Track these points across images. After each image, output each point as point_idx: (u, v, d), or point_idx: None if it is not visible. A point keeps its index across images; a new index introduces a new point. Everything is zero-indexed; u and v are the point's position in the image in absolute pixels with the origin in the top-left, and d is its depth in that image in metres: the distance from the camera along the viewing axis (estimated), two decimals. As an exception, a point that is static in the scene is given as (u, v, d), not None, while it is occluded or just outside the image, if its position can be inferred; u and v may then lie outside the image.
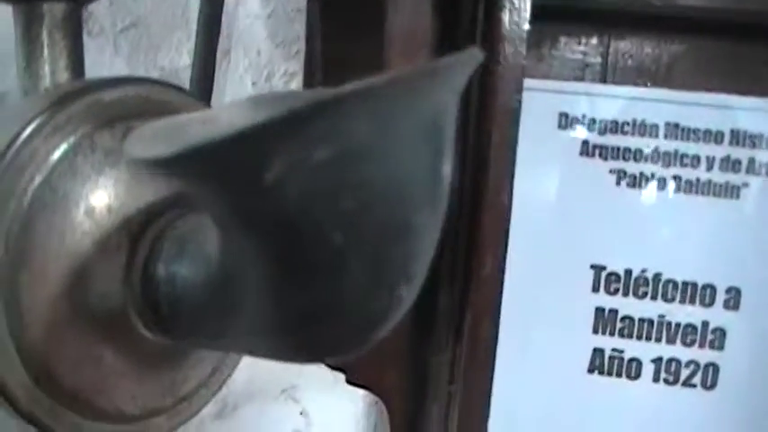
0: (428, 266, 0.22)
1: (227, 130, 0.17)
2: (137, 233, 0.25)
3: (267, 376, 0.47)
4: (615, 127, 0.42)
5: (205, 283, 0.24)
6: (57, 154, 0.25)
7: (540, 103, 0.42)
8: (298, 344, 0.22)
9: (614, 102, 0.42)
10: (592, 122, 0.42)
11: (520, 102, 0.33)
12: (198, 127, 0.22)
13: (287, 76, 0.45)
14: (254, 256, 0.21)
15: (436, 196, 0.20)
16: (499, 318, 0.35)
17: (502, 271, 0.35)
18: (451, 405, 0.37)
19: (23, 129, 0.25)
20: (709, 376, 0.42)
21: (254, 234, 0.19)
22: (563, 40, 0.42)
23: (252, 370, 0.47)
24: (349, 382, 0.42)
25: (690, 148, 0.41)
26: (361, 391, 0.48)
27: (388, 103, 0.19)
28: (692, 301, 0.42)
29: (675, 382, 0.43)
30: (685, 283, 0.42)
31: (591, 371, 0.43)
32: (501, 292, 0.36)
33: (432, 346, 0.38)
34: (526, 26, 0.33)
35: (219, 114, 0.23)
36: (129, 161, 0.20)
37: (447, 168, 0.20)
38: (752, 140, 0.41)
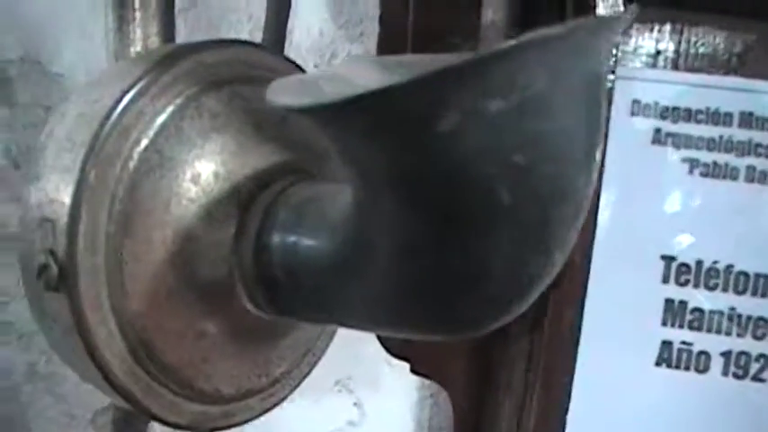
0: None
1: (402, 78, 0.16)
2: (246, 201, 0.24)
3: (321, 367, 0.46)
4: (688, 115, 0.40)
5: (331, 250, 0.22)
6: (163, 117, 0.24)
7: (612, 89, 0.40)
8: (436, 315, 0.21)
9: (687, 89, 0.40)
10: (665, 110, 0.40)
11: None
12: (329, 84, 0.20)
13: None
14: (400, 216, 0.19)
15: (593, 155, 0.19)
16: (583, 307, 0.34)
17: (589, 258, 0.34)
18: (528, 394, 0.36)
19: (129, 88, 0.23)
20: (780, 370, 0.41)
21: (411, 190, 0.18)
22: (636, 26, 0.41)
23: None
24: (414, 371, 0.41)
25: (764, 137, 0.40)
26: (416, 383, 0.47)
27: (562, 55, 0.17)
28: (764, 294, 0.41)
29: (745, 376, 0.41)
30: (757, 275, 0.41)
31: (659, 363, 0.41)
32: (587, 280, 0.34)
33: (499, 334, 0.37)
34: (620, 10, 0.32)
35: (345, 73, 0.22)
36: (288, 109, 0.18)
37: (600, 136, 0.19)
38: (825, 130, 0.40)
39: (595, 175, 0.19)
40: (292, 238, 0.23)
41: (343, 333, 0.45)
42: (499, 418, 0.38)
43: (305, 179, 0.24)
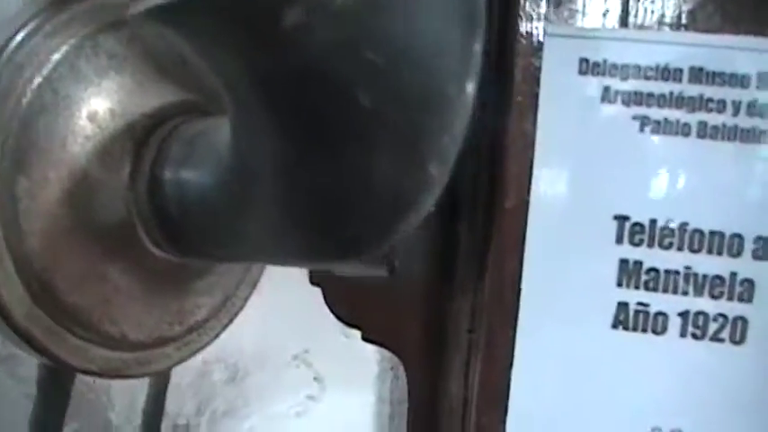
0: (458, 150, 0.20)
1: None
2: (142, 138, 0.24)
3: (278, 341, 0.45)
4: (638, 72, 0.40)
5: (217, 181, 0.22)
6: (57, 55, 0.23)
7: (560, 48, 0.40)
8: (319, 238, 0.20)
9: (636, 46, 0.40)
10: (614, 68, 0.40)
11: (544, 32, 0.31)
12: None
13: None
14: (272, 130, 0.19)
15: (468, 71, 0.18)
16: (523, 255, 0.33)
17: (526, 204, 0.33)
18: (472, 354, 0.35)
19: (23, 27, 0.23)
20: (738, 330, 0.40)
21: (271, 96, 0.17)
22: (583, -16, 0.40)
23: (262, 335, 0.45)
24: (365, 339, 0.40)
25: (715, 92, 0.39)
26: (376, 356, 0.46)
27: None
28: (720, 252, 0.40)
29: (703, 336, 0.40)
30: (712, 233, 0.40)
31: (615, 326, 0.41)
32: (525, 227, 0.33)
33: (452, 293, 0.36)
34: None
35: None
36: (136, 17, 0.18)
37: (478, 46, 0.19)
38: (780, 84, 0.39)
39: (473, 86, 0.19)
40: (182, 172, 0.22)
41: (299, 307, 0.45)
42: (450, 379, 0.37)
43: (201, 117, 0.24)
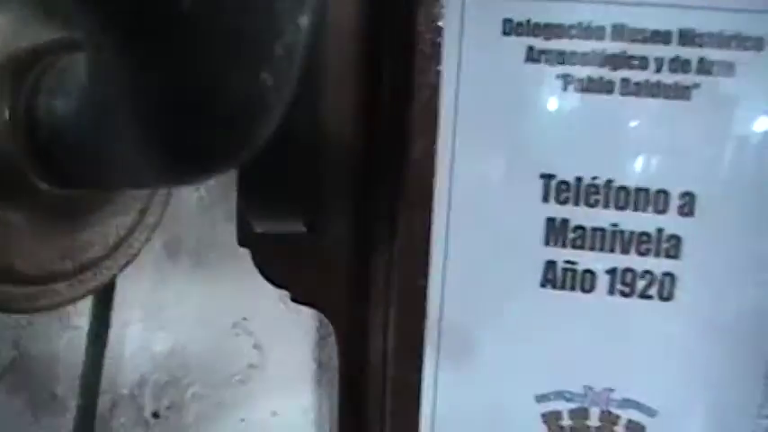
0: (298, 66, 0.20)
1: None
2: (21, 71, 0.24)
3: (217, 310, 0.46)
4: (560, 31, 0.40)
5: (81, 108, 0.22)
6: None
7: (483, 9, 0.40)
8: (174, 153, 0.20)
9: (559, 6, 0.40)
10: (537, 27, 0.40)
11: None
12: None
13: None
14: (110, 46, 0.19)
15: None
16: (432, 207, 0.33)
17: (433, 155, 0.33)
18: (388, 309, 0.35)
19: None
20: (666, 286, 0.40)
21: (105, 11, 0.18)
22: (505, -54, 0.40)
23: (200, 304, 0.45)
24: (294, 300, 0.41)
25: (637, 49, 0.39)
26: (315, 323, 0.46)
27: None
28: (646, 209, 0.40)
29: (631, 293, 0.40)
30: (638, 190, 0.40)
31: (544, 284, 0.41)
32: (433, 178, 0.34)
33: (371, 250, 0.36)
34: None
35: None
36: None
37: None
38: (701, 39, 0.39)
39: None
40: (54, 104, 0.23)
41: (237, 274, 0.45)
42: (372, 336, 0.37)
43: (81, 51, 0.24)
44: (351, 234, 0.37)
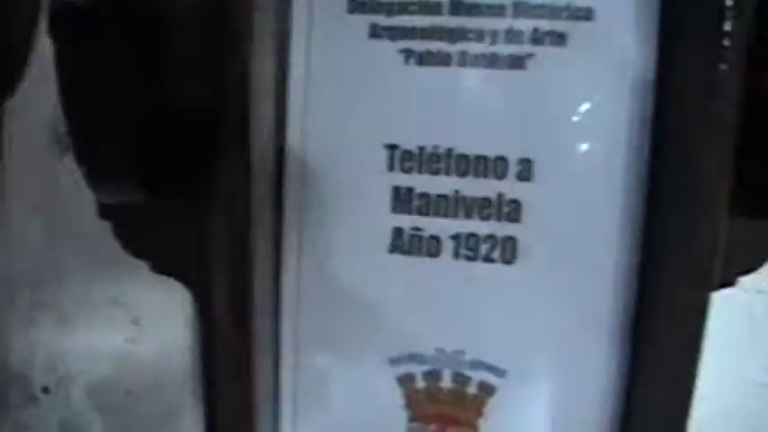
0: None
1: None
2: None
3: (93, 286, 0.47)
4: (401, 8, 0.41)
5: None
6: None
7: (328, -11, 0.42)
8: None
9: (390, -17, 0.42)
10: (379, 5, 0.41)
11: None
12: None
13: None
14: None
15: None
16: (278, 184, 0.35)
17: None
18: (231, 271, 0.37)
19: None
20: (508, 249, 0.41)
21: None
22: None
23: (80, 280, 0.47)
24: (153, 269, 0.42)
25: (474, 22, 0.41)
26: (190, 297, 0.48)
27: None
28: (486, 175, 0.41)
29: (475, 257, 0.42)
30: (477, 157, 0.41)
31: (392, 251, 0.42)
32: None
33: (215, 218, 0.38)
34: None
35: None
36: None
37: None
38: (534, 11, 0.41)
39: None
40: None
41: (112, 252, 0.46)
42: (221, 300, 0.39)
43: None
44: (195, 202, 0.39)
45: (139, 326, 0.47)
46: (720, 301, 0.44)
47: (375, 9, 0.42)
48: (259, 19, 0.36)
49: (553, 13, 0.41)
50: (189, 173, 0.38)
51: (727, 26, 0.36)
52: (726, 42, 0.36)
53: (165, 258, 0.41)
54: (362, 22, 0.42)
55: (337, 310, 0.43)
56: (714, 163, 0.37)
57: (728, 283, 0.44)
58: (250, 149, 0.37)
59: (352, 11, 0.42)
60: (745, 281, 0.44)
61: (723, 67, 0.36)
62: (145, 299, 0.46)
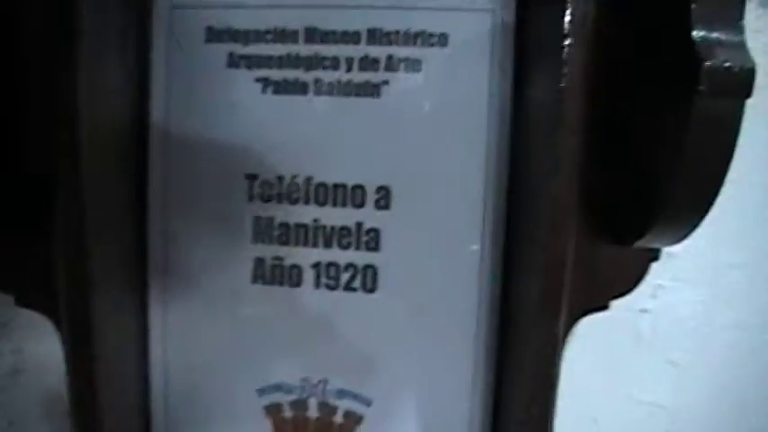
0: None
1: None
2: None
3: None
4: (258, 36, 0.41)
5: None
6: None
7: (187, 18, 0.41)
8: None
9: (256, 12, 0.41)
10: (236, 34, 0.41)
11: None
12: None
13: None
14: None
15: None
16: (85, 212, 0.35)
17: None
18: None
19: None
20: (369, 279, 0.41)
21: None
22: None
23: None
24: (17, 303, 0.42)
25: (328, 50, 0.40)
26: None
27: None
28: (345, 204, 0.41)
29: (336, 286, 0.41)
30: (336, 186, 0.41)
31: (254, 281, 0.42)
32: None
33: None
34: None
35: None
36: None
37: None
38: (388, 37, 0.40)
39: None
40: None
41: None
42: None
43: None
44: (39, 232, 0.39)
45: (23, 356, 0.47)
46: (605, 321, 0.44)
47: (232, 38, 0.41)
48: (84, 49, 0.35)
49: (408, 39, 0.40)
50: (30, 206, 0.37)
51: (566, 53, 0.35)
52: (565, 69, 0.35)
53: (24, 290, 0.40)
54: (220, 51, 0.41)
55: (204, 341, 0.42)
56: (557, 190, 0.36)
57: (602, 306, 0.43)
58: (81, 178, 0.36)
59: (209, 40, 0.41)
60: (629, 300, 0.44)
61: (562, 91, 0.35)
62: (29, 329, 0.46)
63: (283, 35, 0.41)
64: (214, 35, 0.41)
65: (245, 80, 0.41)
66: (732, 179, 0.36)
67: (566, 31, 0.35)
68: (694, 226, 0.38)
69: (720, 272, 0.52)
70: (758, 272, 0.53)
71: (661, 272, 0.51)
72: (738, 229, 0.53)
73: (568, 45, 0.35)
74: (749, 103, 0.35)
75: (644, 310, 0.53)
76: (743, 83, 0.35)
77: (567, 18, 0.35)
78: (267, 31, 0.41)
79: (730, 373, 0.54)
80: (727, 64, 0.34)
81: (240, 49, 0.41)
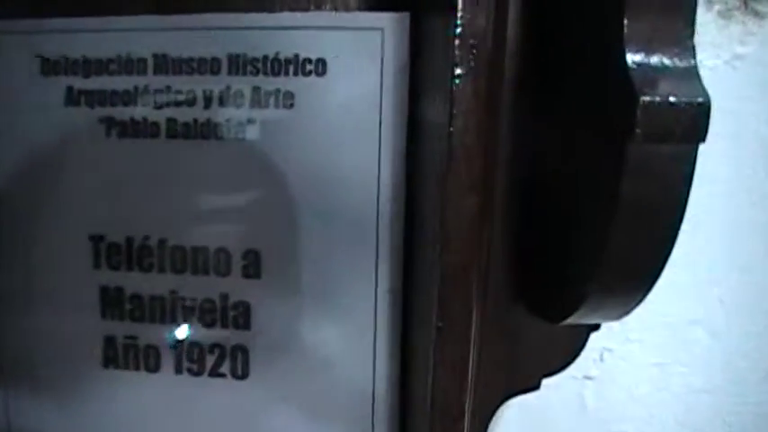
0: None
1: None
2: None
3: None
4: (100, 67, 0.33)
5: None
6: None
7: (15, 46, 0.33)
8: None
9: (95, 37, 0.33)
10: (75, 64, 0.33)
11: None
12: None
13: None
14: None
15: None
16: None
17: None
18: None
19: None
20: (239, 361, 0.33)
21: None
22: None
23: None
24: None
25: (183, 82, 0.32)
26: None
27: None
28: (206, 271, 0.32)
29: (201, 372, 0.33)
30: (195, 250, 0.32)
31: (106, 365, 0.34)
32: None
33: None
34: None
35: None
36: None
37: None
38: (254, 65, 0.31)
39: None
40: None
41: None
42: None
43: None
44: None
45: None
46: (544, 390, 0.35)
47: (71, 69, 0.33)
48: None
49: (277, 67, 0.31)
50: None
51: (456, 85, 0.26)
52: (455, 108, 0.26)
53: None
54: (58, 85, 0.33)
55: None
56: (448, 257, 0.27)
57: (532, 387, 0.34)
58: None
59: (45, 72, 0.33)
60: (571, 366, 0.35)
61: (451, 128, 0.26)
62: None
63: (130, 64, 0.32)
64: (50, 67, 0.33)
65: (86, 121, 0.33)
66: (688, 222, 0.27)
67: (456, 58, 0.26)
68: (636, 302, 0.29)
69: (678, 329, 0.43)
70: (723, 327, 0.43)
71: (608, 332, 0.42)
72: (697, 280, 0.43)
73: (459, 75, 0.27)
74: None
75: (588, 377, 0.44)
76: (693, 123, 0.25)
77: (457, 43, 0.26)
78: (111, 60, 0.32)
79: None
80: (671, 99, 0.25)
81: (80, 83, 0.33)
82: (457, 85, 0.26)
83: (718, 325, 0.44)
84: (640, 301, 0.30)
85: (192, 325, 0.33)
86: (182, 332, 0.33)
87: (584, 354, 0.35)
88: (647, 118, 0.25)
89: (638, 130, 0.25)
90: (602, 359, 0.44)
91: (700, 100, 0.25)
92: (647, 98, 0.25)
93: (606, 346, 0.44)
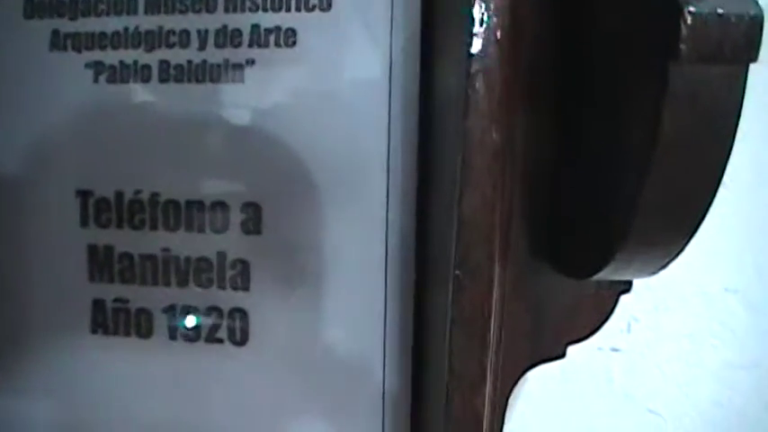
0: None
1: None
2: None
3: None
4: (88, 8, 0.29)
5: None
6: None
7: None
8: None
9: (83, -26, 0.29)
10: (61, 5, 0.29)
11: None
12: None
13: None
14: None
15: None
16: None
17: None
18: None
19: None
20: (238, 326, 0.29)
21: None
22: None
23: None
24: None
25: (176, 22, 0.29)
26: None
27: None
28: (202, 228, 0.29)
29: (197, 337, 0.29)
30: (190, 204, 0.29)
31: (94, 330, 0.30)
32: None
33: None
34: None
35: None
36: None
37: None
38: (253, 1, 0.28)
39: None
40: None
41: None
42: None
43: None
44: None
45: None
46: (567, 363, 0.31)
47: (57, 11, 0.30)
48: None
49: (278, 3, 0.28)
50: None
51: (475, 48, 0.23)
52: (473, 67, 0.23)
53: None
54: (42, 29, 0.30)
55: (43, 407, 0.31)
56: (468, 208, 0.24)
57: (556, 356, 0.31)
58: None
59: (29, 15, 0.30)
60: (596, 336, 0.31)
61: (471, 91, 0.23)
62: None
63: (120, 4, 0.29)
64: (34, 8, 0.30)
65: (73, 66, 0.29)
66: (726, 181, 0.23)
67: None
68: (675, 253, 0.26)
69: (711, 299, 0.38)
70: (759, 298, 0.39)
71: (635, 300, 0.38)
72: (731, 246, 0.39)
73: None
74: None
75: (615, 349, 0.40)
76: (745, 40, 0.22)
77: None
78: (98, 0, 0.29)
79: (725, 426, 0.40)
80: (719, 11, 0.22)
81: (66, 26, 0.29)
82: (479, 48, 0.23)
83: (755, 295, 0.40)
84: (680, 251, 0.26)
85: (187, 286, 0.29)
86: (175, 295, 0.29)
87: (609, 323, 0.32)
88: (693, 32, 0.21)
89: (682, 46, 0.21)
90: (629, 329, 0.40)
91: (752, 12, 0.22)
92: (692, 8, 0.21)
93: (633, 315, 0.40)
